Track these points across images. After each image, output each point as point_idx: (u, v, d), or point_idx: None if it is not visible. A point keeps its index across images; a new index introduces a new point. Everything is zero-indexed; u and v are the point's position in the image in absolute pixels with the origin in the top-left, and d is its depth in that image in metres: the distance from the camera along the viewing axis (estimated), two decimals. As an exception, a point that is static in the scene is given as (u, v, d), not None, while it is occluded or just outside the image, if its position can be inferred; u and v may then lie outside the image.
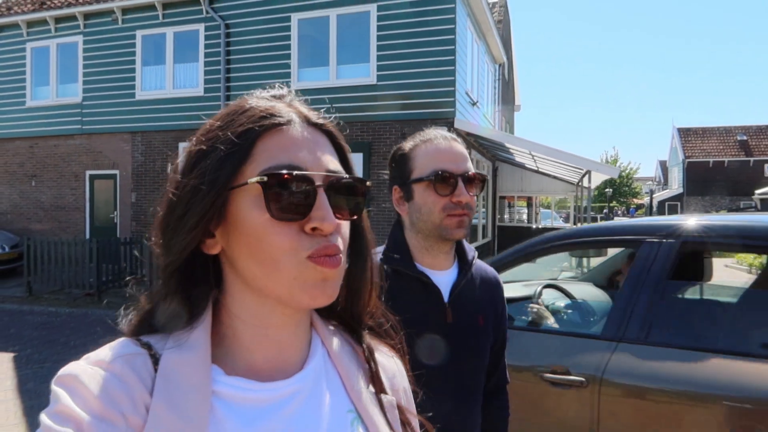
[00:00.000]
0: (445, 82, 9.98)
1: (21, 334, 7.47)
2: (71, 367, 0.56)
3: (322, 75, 10.81)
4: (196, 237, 0.60)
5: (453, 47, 9.91)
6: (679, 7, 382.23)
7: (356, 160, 10.32)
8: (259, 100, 0.65)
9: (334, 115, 0.69)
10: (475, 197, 1.30)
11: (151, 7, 11.99)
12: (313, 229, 0.58)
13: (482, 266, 1.43)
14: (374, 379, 0.70)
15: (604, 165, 10.07)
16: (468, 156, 1.32)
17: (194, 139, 0.64)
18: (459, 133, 9.90)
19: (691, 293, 3.26)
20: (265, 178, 0.58)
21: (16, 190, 13.49)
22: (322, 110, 0.68)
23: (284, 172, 0.58)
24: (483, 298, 1.36)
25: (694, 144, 43.03)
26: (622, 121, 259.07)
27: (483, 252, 14.29)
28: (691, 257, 3.28)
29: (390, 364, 0.76)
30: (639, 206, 56.74)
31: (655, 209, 46.23)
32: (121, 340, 0.60)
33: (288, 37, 10.95)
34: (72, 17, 12.71)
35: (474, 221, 14.75)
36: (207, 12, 11.47)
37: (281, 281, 0.59)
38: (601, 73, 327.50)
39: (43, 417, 0.53)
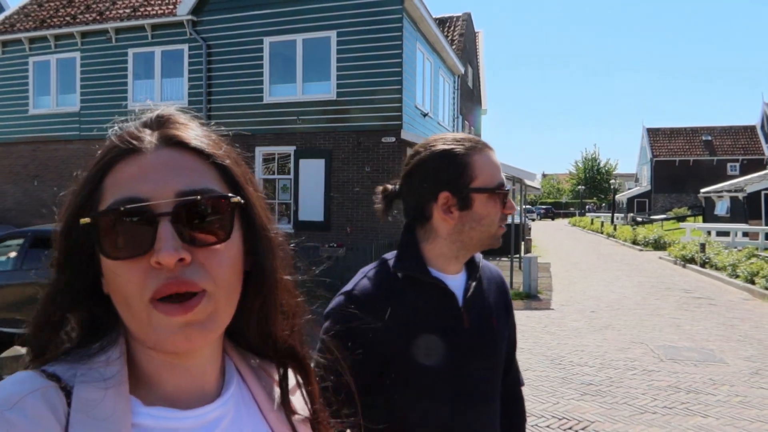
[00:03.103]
0: (393, 99, 11.69)
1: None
2: None
3: (290, 91, 12.48)
4: (72, 275, 0.58)
5: (400, 69, 11.61)
6: (668, 9, 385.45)
7: (319, 164, 12.07)
8: (122, 126, 0.62)
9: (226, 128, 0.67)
10: None
11: (142, 29, 13.60)
12: (158, 263, 0.53)
13: (488, 266, 1.39)
14: (284, 401, 0.68)
15: (525, 172, 11.82)
16: None
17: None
18: (405, 142, 11.63)
19: None
20: (89, 220, 0.55)
21: (20, 189, 15.07)
22: (211, 124, 0.66)
23: (108, 209, 0.54)
24: (493, 299, 1.32)
25: (661, 144, 45.19)
26: (608, 119, 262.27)
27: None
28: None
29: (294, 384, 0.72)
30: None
31: (623, 205, 48.29)
32: (22, 373, 0.54)
33: (261, 57, 12.60)
34: (70, 35, 14.28)
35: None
36: (190, 34, 13.10)
37: (138, 327, 0.55)
38: (587, 73, 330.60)
39: None
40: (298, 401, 0.71)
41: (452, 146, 1.21)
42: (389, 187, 1.30)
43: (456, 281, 1.26)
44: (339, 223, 11.96)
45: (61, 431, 0.50)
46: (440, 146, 1.22)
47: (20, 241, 6.23)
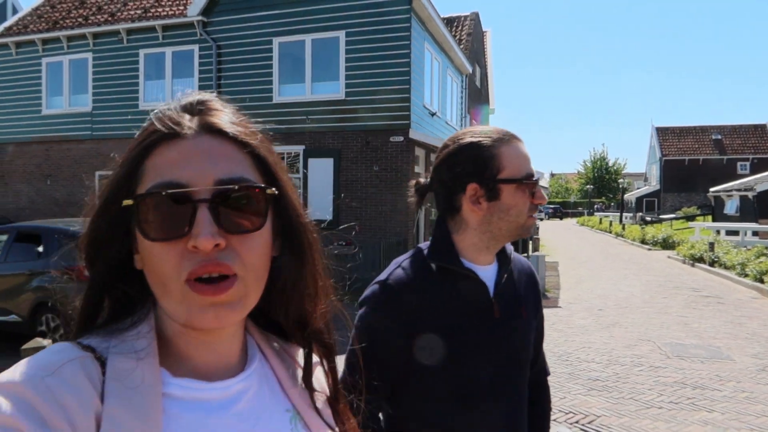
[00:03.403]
0: (401, 99, 11.77)
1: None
2: (12, 374, 0.52)
3: (299, 90, 12.60)
4: (110, 253, 0.61)
5: (408, 69, 11.69)
6: (675, 9, 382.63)
7: (327, 164, 12.17)
8: (162, 110, 0.63)
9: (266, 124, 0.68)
10: None
11: (152, 29, 13.77)
12: (195, 247, 0.56)
13: (518, 258, 1.39)
14: (306, 379, 0.72)
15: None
16: None
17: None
18: (413, 141, 11.71)
19: None
20: (131, 201, 0.58)
21: (33, 188, 15.30)
22: (247, 117, 0.67)
23: (150, 192, 0.57)
24: (524, 290, 1.34)
25: (671, 143, 44.89)
26: (616, 119, 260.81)
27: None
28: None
29: (317, 368, 0.75)
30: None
31: (632, 204, 48.05)
32: (61, 344, 0.58)
33: (270, 58, 12.72)
34: (82, 36, 14.48)
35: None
36: (201, 34, 13.25)
37: (171, 305, 0.58)
38: (594, 72, 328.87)
39: None
40: (317, 381, 0.74)
41: (479, 138, 1.23)
42: (421, 180, 1.34)
43: (487, 272, 1.27)
44: (348, 221, 12.04)
45: (97, 397, 0.53)
46: (468, 139, 1.24)
47: (5, 236, 6.76)
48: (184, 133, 0.60)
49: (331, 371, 0.76)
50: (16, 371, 0.53)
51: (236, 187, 0.59)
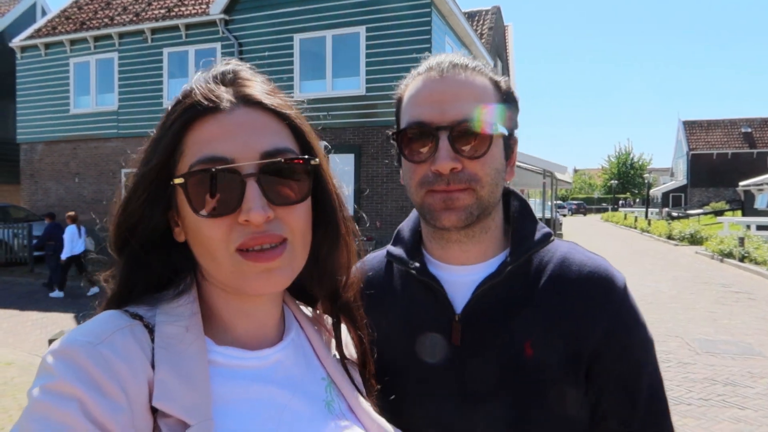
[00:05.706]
0: (422, 93, 11.71)
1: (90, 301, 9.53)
2: (67, 342, 0.53)
3: (320, 87, 12.63)
4: (146, 230, 0.60)
5: (429, 63, 11.62)
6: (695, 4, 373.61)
7: (348, 160, 12.18)
8: (197, 83, 0.61)
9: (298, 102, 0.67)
10: (484, 160, 0.77)
11: (176, 28, 13.96)
12: (247, 221, 0.56)
13: (568, 256, 0.85)
14: (339, 348, 0.74)
15: (555, 164, 11.69)
16: (477, 90, 0.80)
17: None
18: (434, 136, 11.64)
19: None
20: (182, 180, 0.56)
21: (62, 186, 15.66)
22: (275, 87, 0.64)
23: (200, 169, 0.56)
24: (541, 312, 0.80)
25: (698, 136, 43.80)
26: (642, 114, 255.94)
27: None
28: None
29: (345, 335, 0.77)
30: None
31: (658, 200, 47.09)
32: (110, 312, 0.59)
33: (291, 54, 12.78)
34: (108, 36, 14.75)
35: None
36: (223, 32, 13.38)
37: (221, 273, 0.59)
38: (621, 65, 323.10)
39: (37, 394, 0.49)
40: (347, 349, 0.77)
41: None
42: None
43: (464, 275, 0.85)
44: (369, 217, 12.06)
45: (148, 364, 0.55)
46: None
47: None
48: (224, 107, 0.60)
49: (359, 341, 0.77)
50: (70, 339, 0.54)
51: (282, 159, 0.60)
